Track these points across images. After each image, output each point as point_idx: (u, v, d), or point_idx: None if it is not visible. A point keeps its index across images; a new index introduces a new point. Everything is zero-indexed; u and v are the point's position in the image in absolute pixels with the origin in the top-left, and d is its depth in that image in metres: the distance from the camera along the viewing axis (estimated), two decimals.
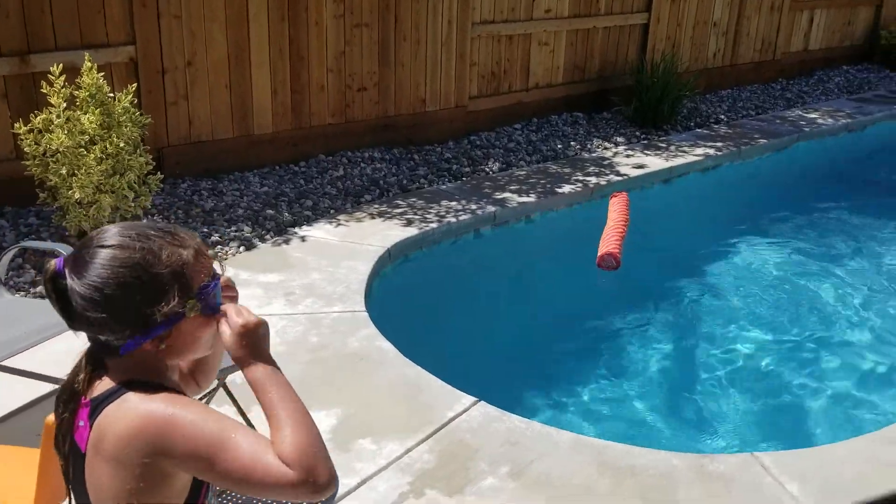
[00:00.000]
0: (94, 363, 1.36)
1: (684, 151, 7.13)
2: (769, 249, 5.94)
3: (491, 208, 5.67)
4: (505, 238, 5.60)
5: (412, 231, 5.22)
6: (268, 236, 5.06)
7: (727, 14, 9.37)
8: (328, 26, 6.20)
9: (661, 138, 7.56)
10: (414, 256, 5.17)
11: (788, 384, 4.20)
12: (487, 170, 6.51)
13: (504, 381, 4.09)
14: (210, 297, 1.35)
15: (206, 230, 5.00)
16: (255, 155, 6.06)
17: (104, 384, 1.33)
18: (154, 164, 4.81)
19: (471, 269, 5.26)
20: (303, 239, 5.06)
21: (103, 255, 1.30)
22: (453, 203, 5.72)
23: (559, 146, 7.17)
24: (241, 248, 4.87)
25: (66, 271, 1.31)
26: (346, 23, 6.30)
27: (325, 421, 3.25)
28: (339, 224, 5.30)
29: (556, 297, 5.00)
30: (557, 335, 4.58)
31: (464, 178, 6.29)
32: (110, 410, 1.28)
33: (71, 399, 1.36)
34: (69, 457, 1.36)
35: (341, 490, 2.81)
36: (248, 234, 5.03)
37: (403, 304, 4.72)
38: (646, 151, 7.12)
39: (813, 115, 8.66)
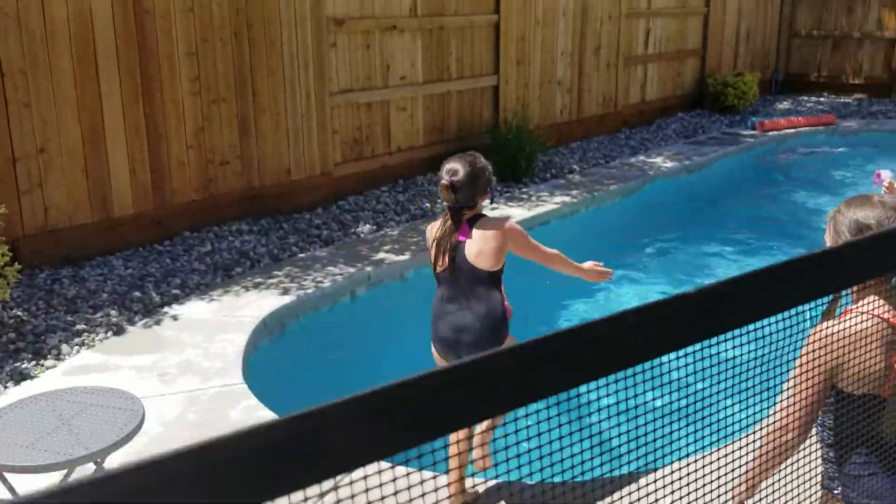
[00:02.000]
0: (456, 216, 3.12)
1: (544, 201, 7.52)
2: (625, 287, 6.32)
3: (367, 270, 5.75)
4: (382, 298, 5.67)
5: (288, 299, 5.21)
6: (137, 318, 4.91)
7: (569, 73, 10.03)
8: (185, 103, 6.19)
9: (522, 190, 7.94)
10: (291, 324, 5.15)
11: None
12: (359, 232, 6.61)
13: None
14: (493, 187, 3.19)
15: (69, 318, 4.80)
16: (117, 237, 5.90)
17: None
18: (10, 255, 4.60)
19: (350, 331, 5.28)
20: (174, 317, 4.94)
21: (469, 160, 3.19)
22: (329, 268, 5.76)
23: (427, 205, 7.38)
24: (110, 334, 4.70)
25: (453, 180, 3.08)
26: (203, 99, 6.31)
27: None
28: (212, 299, 5.22)
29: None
30: None
31: (336, 243, 6.35)
32: (485, 220, 3.15)
33: (451, 231, 3.12)
34: (454, 247, 3.11)
35: None
36: (116, 319, 4.86)
37: (284, 372, 4.68)
38: (509, 203, 7.45)
39: (656, 160, 9.34)
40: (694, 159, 9.43)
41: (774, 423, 1.97)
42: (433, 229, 3.25)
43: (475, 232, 3.11)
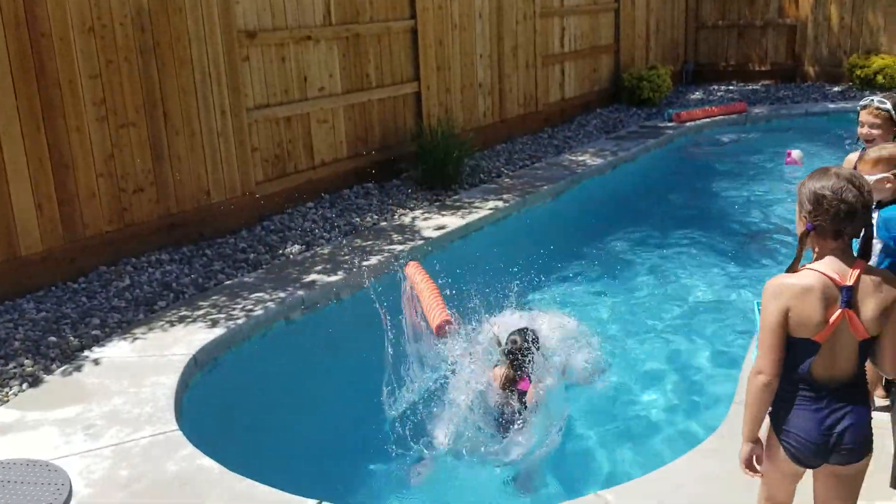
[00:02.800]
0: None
1: (476, 207, 7.39)
2: (563, 287, 6.25)
3: (299, 293, 5.49)
4: (318, 320, 5.43)
5: (218, 331, 4.92)
6: (54, 366, 4.54)
7: (489, 75, 9.96)
8: (91, 130, 5.80)
9: (452, 197, 7.80)
10: (224, 358, 4.86)
11: (605, 420, 4.36)
12: (288, 253, 6.34)
13: (345, 474, 3.90)
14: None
15: None
16: (25, 278, 5.47)
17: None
18: None
19: (287, 360, 5.02)
20: (96, 362, 4.59)
21: None
22: (258, 294, 5.48)
23: (356, 219, 7.15)
24: (25, 386, 4.32)
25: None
26: (111, 124, 5.92)
27: None
28: (136, 338, 4.87)
29: (380, 374, 4.89)
30: (389, 417, 4.46)
31: (265, 266, 6.07)
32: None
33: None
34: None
35: None
36: (31, 369, 4.48)
37: (221, 412, 4.39)
38: (441, 212, 7.29)
39: (582, 158, 9.35)
40: (618, 154, 9.49)
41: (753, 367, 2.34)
42: None
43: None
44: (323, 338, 5.29)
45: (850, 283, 2.25)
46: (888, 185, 3.49)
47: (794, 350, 2.30)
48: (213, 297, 5.46)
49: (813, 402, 2.32)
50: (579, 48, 11.87)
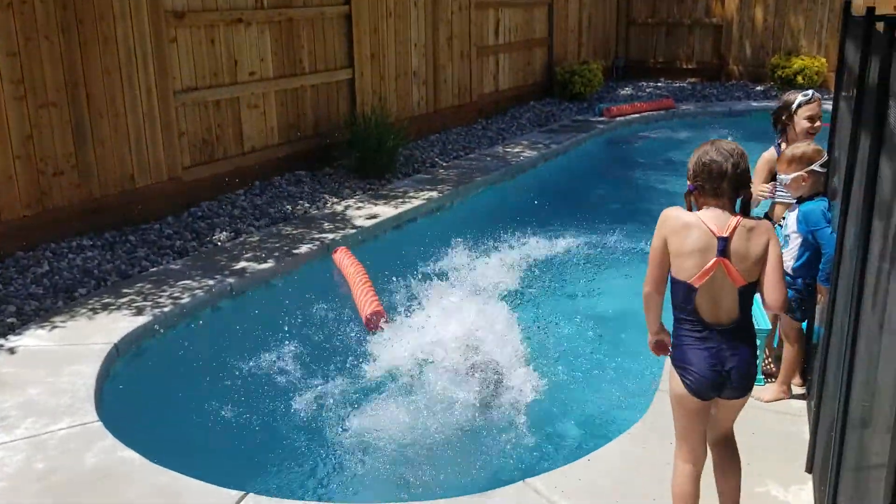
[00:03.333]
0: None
1: (410, 197, 7.37)
2: (495, 278, 6.29)
3: (228, 280, 5.38)
4: (247, 309, 5.33)
5: (143, 319, 4.78)
6: None
7: (424, 65, 9.93)
8: (8, 110, 5.55)
9: (386, 187, 7.76)
10: (148, 346, 4.74)
11: (527, 411, 4.41)
12: (216, 241, 6.20)
13: (273, 465, 3.84)
14: None
15: None
16: None
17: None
18: None
19: (215, 348, 4.91)
20: (11, 351, 4.40)
21: None
22: (185, 281, 5.35)
23: (287, 207, 7.05)
24: None
25: None
26: (30, 104, 5.68)
27: None
28: (55, 326, 4.70)
29: (310, 364, 4.84)
30: (317, 405, 4.42)
31: (192, 253, 5.92)
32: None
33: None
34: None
35: None
36: None
37: (144, 402, 4.27)
38: (374, 201, 7.25)
39: (515, 149, 9.43)
40: (551, 147, 9.60)
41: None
42: None
43: None
44: (252, 326, 5.20)
45: (726, 234, 2.51)
46: (803, 183, 3.63)
47: (678, 290, 2.60)
48: (138, 285, 5.30)
49: (703, 341, 2.58)
50: (514, 41, 11.95)
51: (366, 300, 5.17)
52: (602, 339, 5.26)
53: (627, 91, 13.92)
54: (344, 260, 5.82)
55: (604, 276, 6.43)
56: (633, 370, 4.76)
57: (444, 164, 8.73)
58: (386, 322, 5.00)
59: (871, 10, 2.60)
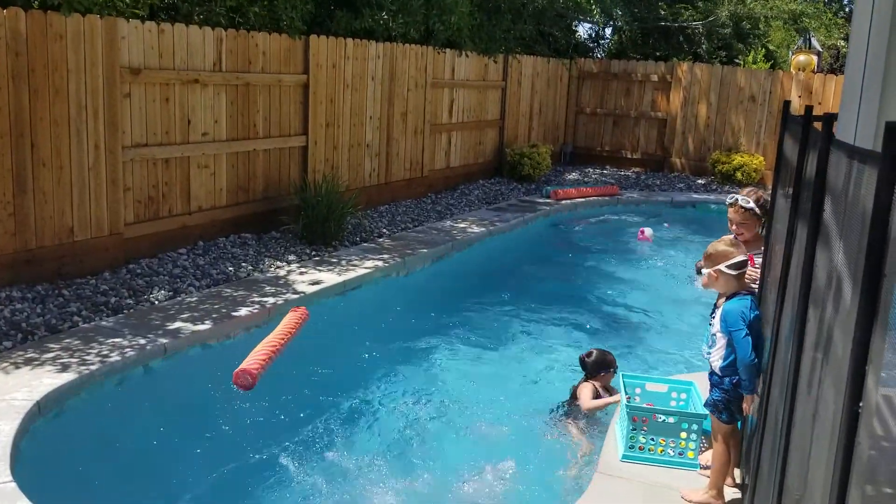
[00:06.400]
0: None
1: (355, 265, 7.34)
2: (437, 351, 6.26)
3: (161, 340, 5.22)
4: (179, 371, 5.16)
5: (68, 376, 4.58)
6: None
7: (377, 137, 10.07)
8: None
9: (332, 254, 7.72)
10: (72, 405, 4.52)
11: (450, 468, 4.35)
12: (153, 299, 6.04)
13: None
14: None
15: None
16: None
17: None
18: None
19: (142, 410, 4.73)
20: None
21: None
22: (117, 339, 5.17)
23: (230, 269, 6.94)
24: None
25: None
26: None
27: None
28: None
29: (240, 429, 4.69)
30: (240, 473, 4.26)
31: (126, 311, 5.75)
32: None
33: None
34: None
35: None
36: None
37: (63, 464, 4.06)
38: (318, 267, 7.19)
39: (462, 225, 9.53)
40: (497, 225, 9.73)
41: None
42: None
43: None
44: (183, 388, 5.03)
45: None
46: (714, 281, 3.61)
47: None
48: (66, 341, 5.11)
49: None
50: (467, 120, 12.23)
51: (253, 357, 5.02)
52: (530, 418, 5.21)
53: (574, 176, 14.29)
54: (290, 320, 5.72)
55: (536, 352, 6.45)
56: (569, 447, 4.73)
57: (392, 234, 8.75)
58: (249, 384, 4.82)
59: (809, 108, 2.74)
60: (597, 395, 4.99)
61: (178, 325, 5.52)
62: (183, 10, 7.59)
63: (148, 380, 5.00)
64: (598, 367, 5.12)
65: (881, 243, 1.43)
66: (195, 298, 6.11)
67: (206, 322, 5.62)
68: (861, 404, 1.50)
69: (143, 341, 5.18)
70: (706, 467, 3.92)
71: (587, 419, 4.92)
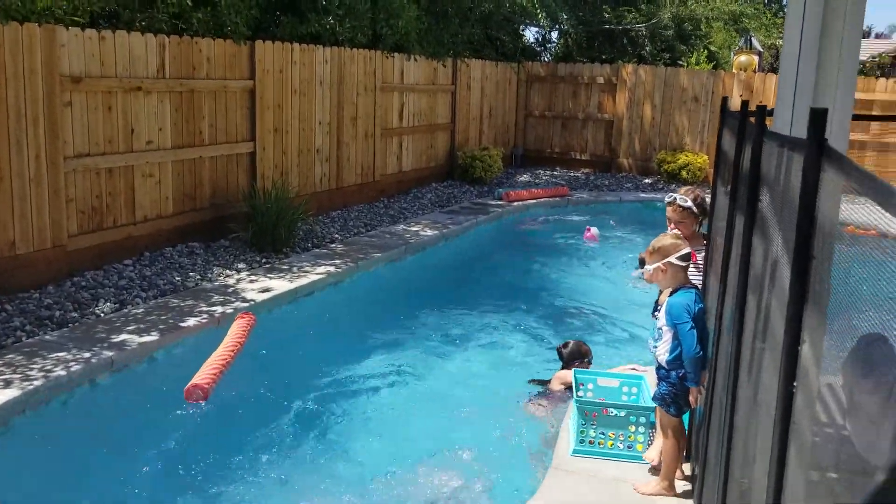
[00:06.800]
0: None
1: (306, 272, 7.28)
2: (395, 352, 6.25)
3: (107, 354, 5.11)
4: (128, 384, 5.06)
5: (11, 393, 4.46)
6: None
7: (328, 142, 10.01)
8: None
9: (283, 261, 7.64)
10: (16, 423, 4.39)
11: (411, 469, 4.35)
12: (98, 312, 5.91)
13: None
14: None
15: None
16: None
17: None
18: None
19: (90, 425, 4.62)
20: None
21: None
22: (61, 353, 5.04)
23: (178, 278, 6.82)
24: None
25: None
26: None
27: None
28: None
29: (189, 442, 4.61)
30: (193, 487, 4.19)
31: (71, 325, 5.61)
32: None
33: None
34: None
35: None
36: None
37: (9, 482, 3.93)
38: (269, 275, 7.11)
39: (416, 228, 9.53)
40: (450, 227, 9.75)
41: None
42: None
43: None
44: (131, 402, 4.93)
45: None
46: (662, 275, 3.67)
47: None
48: (9, 356, 4.96)
49: None
50: (418, 124, 12.24)
51: (204, 371, 4.98)
52: (479, 414, 5.24)
53: (525, 178, 14.40)
54: (237, 327, 5.66)
55: (490, 350, 6.49)
56: (515, 444, 4.76)
57: (345, 240, 8.71)
58: (200, 398, 4.80)
59: (745, 103, 2.81)
60: (568, 384, 5.14)
61: (124, 337, 5.41)
62: (124, 17, 7.45)
63: (95, 393, 4.89)
64: (573, 357, 5.41)
65: (808, 226, 1.47)
66: (142, 310, 5.99)
67: (153, 333, 5.51)
68: (795, 384, 1.53)
69: (87, 354, 5.06)
70: (656, 466, 3.94)
71: (555, 404, 5.11)
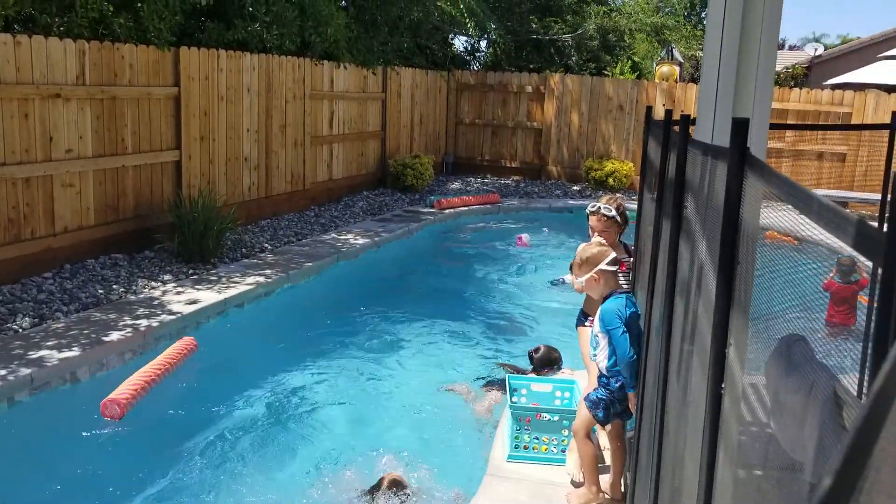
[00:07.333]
0: None
1: (236, 282, 7.14)
2: (327, 360, 6.19)
3: (25, 371, 4.89)
4: (49, 402, 4.86)
5: None
6: None
7: (256, 150, 9.85)
8: None
9: (211, 271, 7.47)
10: None
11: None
12: (16, 327, 5.66)
13: None
14: None
15: None
16: None
17: None
18: None
19: (7, 449, 4.41)
20: None
21: None
22: None
23: (101, 291, 6.59)
24: None
25: None
26: None
27: None
28: None
29: (112, 458, 4.45)
30: (120, 498, 4.05)
31: None
32: None
33: None
34: None
35: None
36: None
37: None
38: (197, 286, 6.94)
39: (347, 237, 9.46)
40: (382, 235, 9.72)
41: None
42: None
43: None
44: (54, 422, 4.74)
45: None
46: (596, 284, 3.69)
47: None
48: None
49: None
50: (348, 132, 12.17)
51: (124, 387, 4.87)
52: (415, 414, 5.24)
53: (457, 185, 14.48)
54: (172, 349, 5.53)
55: (422, 355, 6.50)
56: (453, 449, 4.77)
57: (275, 249, 8.58)
58: (116, 414, 4.68)
59: (669, 112, 2.89)
60: None
61: (43, 353, 5.20)
62: (41, 22, 7.18)
63: (14, 414, 4.67)
64: (543, 363, 5.50)
65: (733, 232, 1.52)
66: (62, 324, 5.77)
67: (75, 348, 5.31)
68: (723, 386, 1.58)
69: (3, 372, 4.84)
70: (578, 483, 3.93)
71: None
